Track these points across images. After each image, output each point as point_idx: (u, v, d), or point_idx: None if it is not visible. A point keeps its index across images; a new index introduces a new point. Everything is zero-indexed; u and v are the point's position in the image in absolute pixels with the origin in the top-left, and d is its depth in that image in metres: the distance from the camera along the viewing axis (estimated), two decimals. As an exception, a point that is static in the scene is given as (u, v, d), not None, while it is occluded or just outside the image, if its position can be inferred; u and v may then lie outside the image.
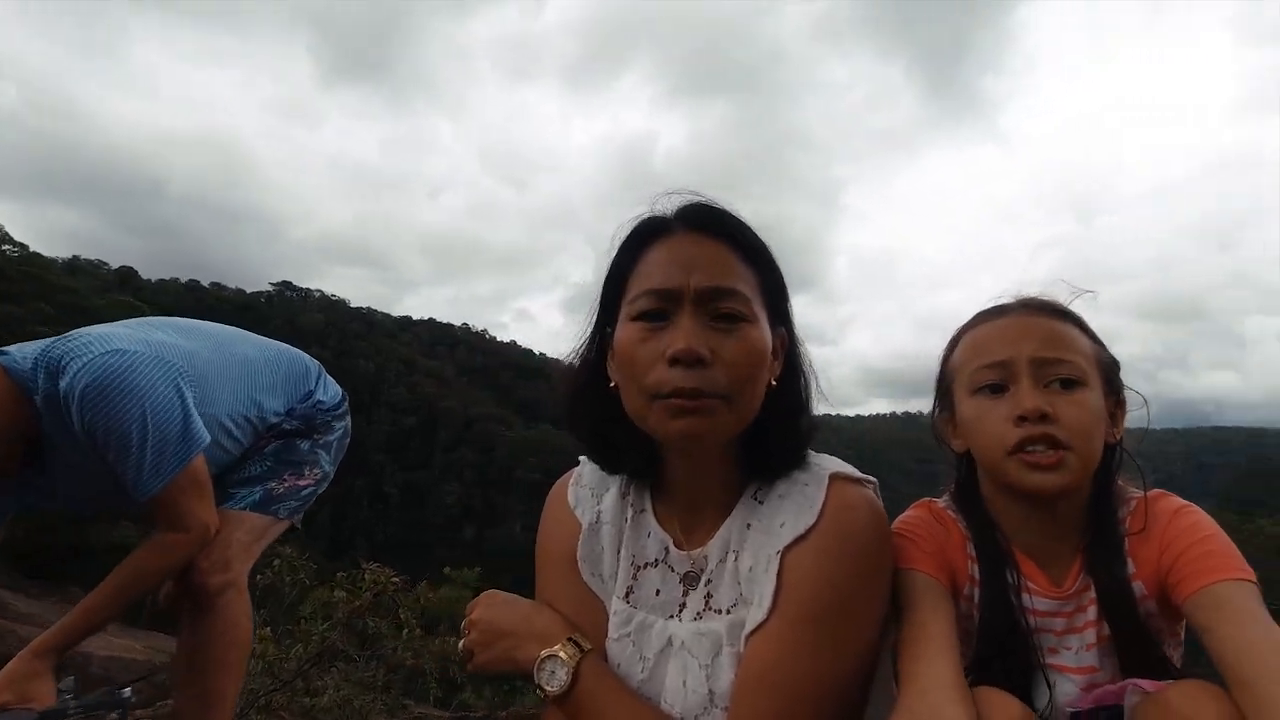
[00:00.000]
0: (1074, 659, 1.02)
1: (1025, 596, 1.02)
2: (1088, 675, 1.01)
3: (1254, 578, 0.89)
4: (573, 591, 1.04)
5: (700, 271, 0.92)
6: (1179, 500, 1.02)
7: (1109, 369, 1.06)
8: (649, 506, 1.06)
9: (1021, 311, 1.07)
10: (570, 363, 1.05)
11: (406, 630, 3.78)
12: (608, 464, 1.06)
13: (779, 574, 0.91)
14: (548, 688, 0.94)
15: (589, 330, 1.04)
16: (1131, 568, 0.99)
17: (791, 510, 0.94)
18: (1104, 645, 1.01)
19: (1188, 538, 0.95)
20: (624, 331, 0.95)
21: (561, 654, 0.95)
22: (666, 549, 1.02)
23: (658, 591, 1.01)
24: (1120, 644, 1.00)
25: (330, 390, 1.97)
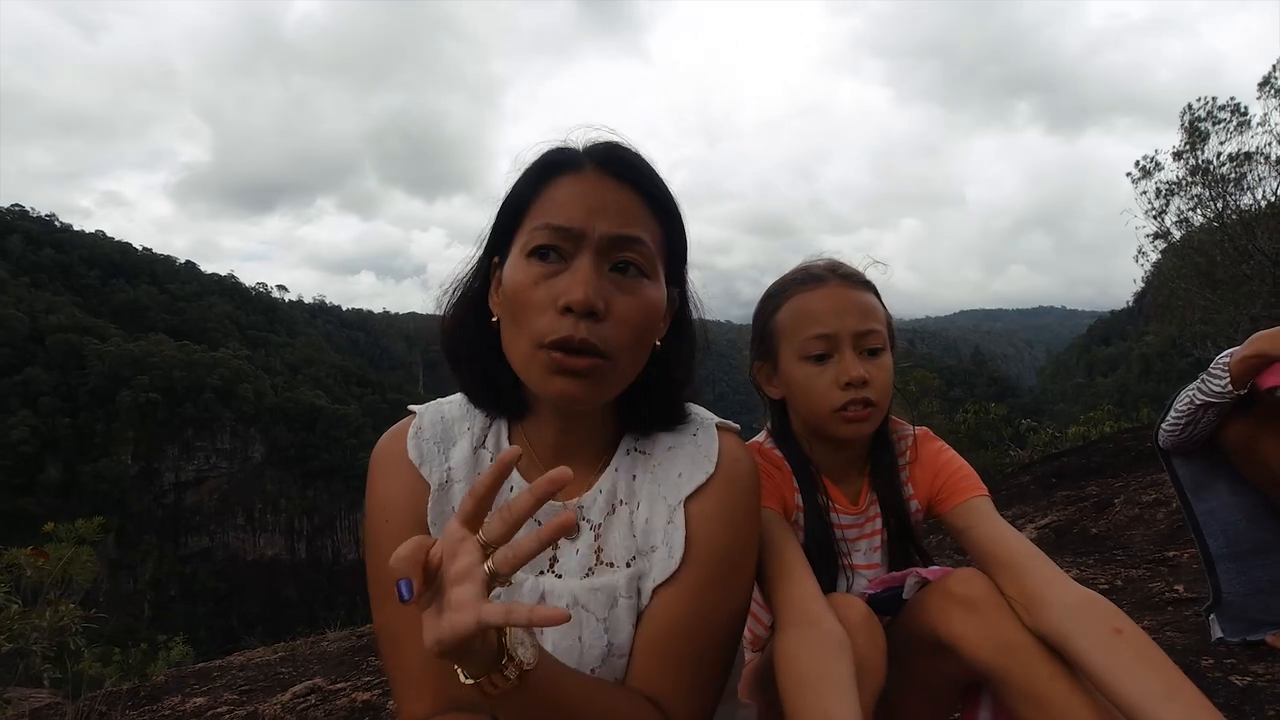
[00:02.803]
0: (864, 559, 1.31)
1: (833, 515, 1.28)
2: (874, 570, 1.31)
3: (988, 491, 1.23)
4: None
5: (607, 217, 0.87)
6: (938, 439, 1.34)
7: (891, 328, 1.29)
8: None
9: (838, 283, 1.25)
10: (451, 291, 0.98)
11: (-3, 612, 2.99)
12: (485, 402, 1.00)
13: (685, 524, 0.93)
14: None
15: (476, 257, 0.97)
16: (910, 490, 1.31)
17: (686, 461, 0.96)
18: (884, 548, 1.32)
19: (949, 467, 1.28)
20: (516, 268, 0.88)
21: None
22: None
23: None
24: (894, 545, 1.31)
25: None
